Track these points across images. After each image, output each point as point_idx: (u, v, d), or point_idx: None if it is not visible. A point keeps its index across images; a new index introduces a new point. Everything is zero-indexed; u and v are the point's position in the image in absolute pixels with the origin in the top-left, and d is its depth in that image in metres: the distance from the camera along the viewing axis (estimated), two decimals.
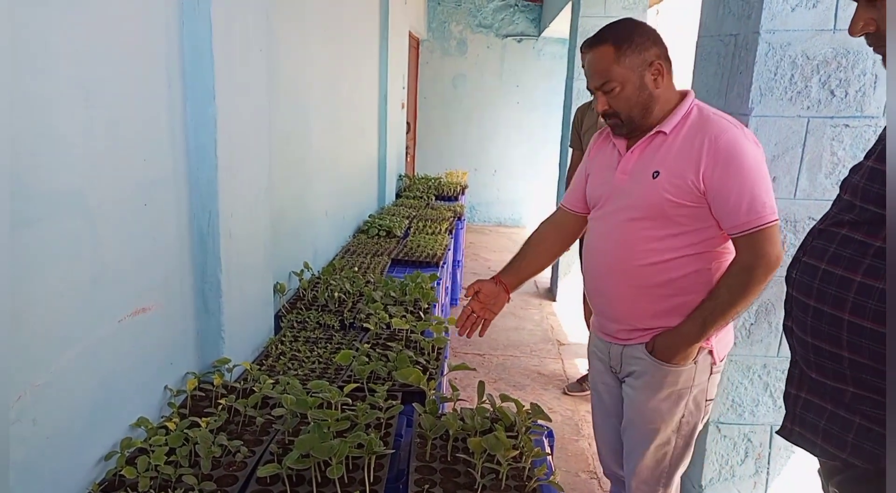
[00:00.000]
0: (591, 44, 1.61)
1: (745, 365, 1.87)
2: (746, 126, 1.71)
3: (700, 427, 1.69)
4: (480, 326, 1.88)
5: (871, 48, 1.14)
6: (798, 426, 1.24)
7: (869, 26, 1.12)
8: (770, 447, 1.93)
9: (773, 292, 1.82)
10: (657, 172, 1.57)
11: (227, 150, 1.82)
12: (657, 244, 1.59)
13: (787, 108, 1.70)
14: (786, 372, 1.82)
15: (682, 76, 1.91)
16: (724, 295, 1.53)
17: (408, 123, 7.07)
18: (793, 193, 1.75)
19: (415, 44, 7.59)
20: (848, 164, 1.73)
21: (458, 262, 5.00)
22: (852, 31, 1.14)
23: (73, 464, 1.33)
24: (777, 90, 1.69)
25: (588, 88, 1.63)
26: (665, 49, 1.57)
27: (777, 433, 1.32)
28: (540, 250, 1.94)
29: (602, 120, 1.80)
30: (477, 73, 7.93)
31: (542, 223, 1.99)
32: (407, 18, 6.07)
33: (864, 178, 1.12)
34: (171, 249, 1.69)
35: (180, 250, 1.73)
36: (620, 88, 1.57)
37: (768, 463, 1.94)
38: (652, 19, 4.79)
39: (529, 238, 1.99)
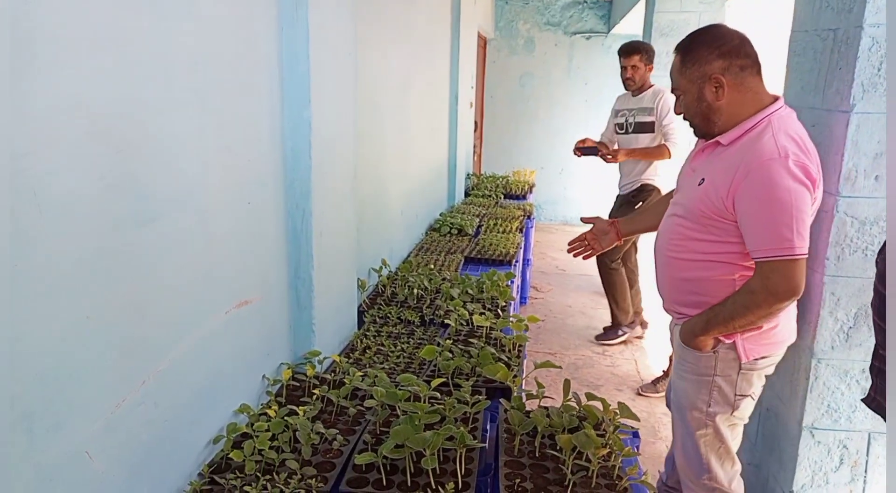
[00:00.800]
0: (675, 49, 1.71)
1: (842, 369, 1.81)
2: (847, 124, 1.66)
3: (736, 424, 1.72)
4: (587, 252, 2.20)
5: None
6: (879, 395, 1.39)
7: None
8: (868, 455, 1.86)
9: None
10: (703, 180, 1.65)
11: (320, 152, 1.90)
12: (689, 244, 1.69)
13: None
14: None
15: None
16: (729, 306, 1.60)
17: (475, 122, 7.10)
18: None
19: (482, 43, 7.61)
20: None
21: (528, 260, 4.99)
22: None
23: (187, 445, 1.42)
24: (881, 86, 1.62)
25: None
26: (738, 62, 1.58)
27: (862, 400, 1.44)
28: (657, 211, 2.02)
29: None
30: (544, 72, 7.88)
31: (668, 193, 2.06)
32: (476, 18, 6.10)
33: None
34: (269, 245, 1.77)
35: (277, 247, 1.82)
36: (683, 96, 1.68)
37: (865, 472, 1.87)
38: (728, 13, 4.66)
39: (654, 202, 2.25)
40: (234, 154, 1.55)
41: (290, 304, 1.93)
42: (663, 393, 3.43)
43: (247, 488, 1.37)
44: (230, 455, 1.45)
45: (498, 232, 4.15)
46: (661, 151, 3.70)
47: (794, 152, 1.50)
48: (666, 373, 3.50)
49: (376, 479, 1.46)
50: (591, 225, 2.19)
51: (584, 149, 3.87)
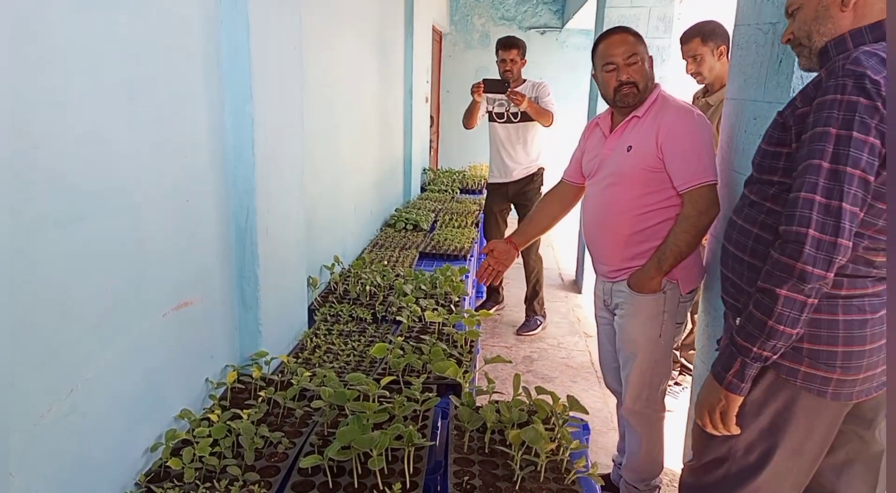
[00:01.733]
0: (630, 33, 2.12)
1: None
2: None
3: (672, 346, 2.14)
4: (495, 275, 2.46)
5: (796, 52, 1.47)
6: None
7: (790, 35, 1.45)
8: None
9: None
10: (630, 147, 2.06)
11: (264, 148, 1.84)
12: (632, 202, 2.06)
13: None
14: None
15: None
16: (672, 239, 1.99)
17: (431, 117, 7.07)
18: None
19: (438, 37, 7.58)
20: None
21: (484, 255, 4.99)
22: (782, 40, 1.49)
23: (121, 455, 1.36)
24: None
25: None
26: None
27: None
28: (544, 214, 2.49)
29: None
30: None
31: (546, 194, 2.53)
32: (430, 12, 6.06)
33: (757, 156, 1.48)
34: (211, 244, 1.71)
35: (219, 246, 1.76)
36: (637, 63, 2.06)
37: None
38: (677, 7, 4.73)
39: (536, 205, 2.55)
40: (168, 150, 1.49)
41: (236, 304, 1.87)
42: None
43: None
44: (168, 463, 1.40)
45: (453, 227, 4.14)
46: (549, 116, 4.10)
47: (697, 111, 2.04)
48: None
49: (322, 482, 1.43)
50: (491, 251, 2.46)
51: (490, 81, 4.03)
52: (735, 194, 1.84)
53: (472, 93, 4.12)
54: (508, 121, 4.22)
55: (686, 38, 2.95)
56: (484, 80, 4.08)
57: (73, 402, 1.18)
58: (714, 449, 1.52)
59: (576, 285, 5.47)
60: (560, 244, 6.81)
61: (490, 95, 4.21)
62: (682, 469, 1.70)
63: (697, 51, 2.90)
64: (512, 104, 4.11)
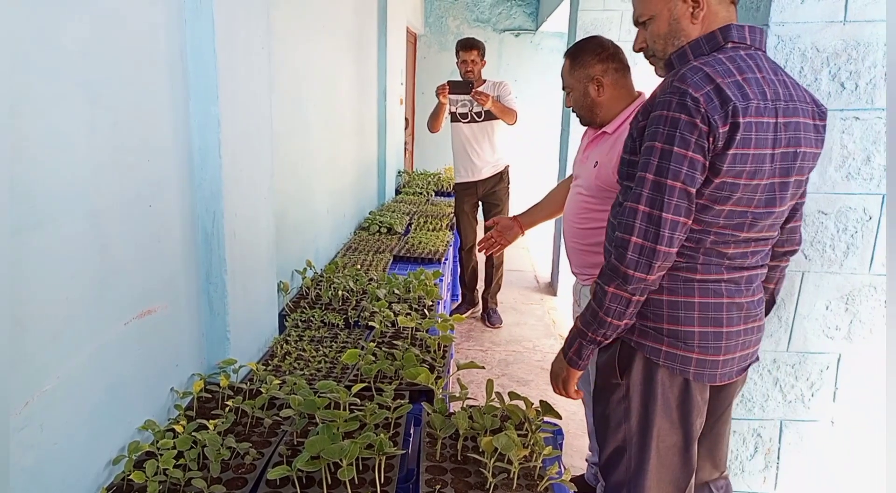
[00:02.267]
0: (564, 55, 2.13)
1: None
2: None
3: None
4: (497, 248, 2.53)
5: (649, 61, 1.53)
6: None
7: (642, 44, 1.50)
8: (780, 442, 1.92)
9: (784, 286, 1.81)
10: (597, 163, 2.04)
11: (231, 150, 1.81)
12: (592, 215, 2.06)
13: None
14: (795, 366, 1.82)
15: None
16: None
17: (406, 119, 7.04)
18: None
19: (412, 39, 7.56)
20: (858, 156, 1.71)
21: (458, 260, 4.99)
22: (634, 48, 1.54)
23: (81, 469, 1.32)
24: None
25: None
26: (613, 65, 2.01)
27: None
28: (554, 201, 2.50)
29: None
30: None
31: (560, 183, 2.54)
32: (404, 13, 6.04)
33: (619, 164, 1.52)
34: (175, 250, 1.67)
35: (185, 251, 1.72)
36: (572, 93, 2.09)
37: (778, 458, 1.93)
38: None
39: (549, 192, 2.57)
40: (131, 153, 1.45)
41: (202, 311, 1.83)
42: None
43: None
44: (131, 477, 1.35)
45: (428, 230, 4.12)
46: (513, 114, 4.15)
47: None
48: None
49: None
50: (495, 223, 2.56)
51: (454, 83, 4.11)
52: None
53: (437, 95, 4.17)
54: (473, 120, 4.28)
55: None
56: (448, 82, 4.13)
57: (28, 414, 1.13)
58: (612, 439, 1.60)
59: (551, 288, 5.48)
60: (534, 247, 6.83)
61: (452, 97, 4.26)
62: (589, 472, 1.82)
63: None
64: (475, 104, 4.18)
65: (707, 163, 1.31)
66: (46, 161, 1.16)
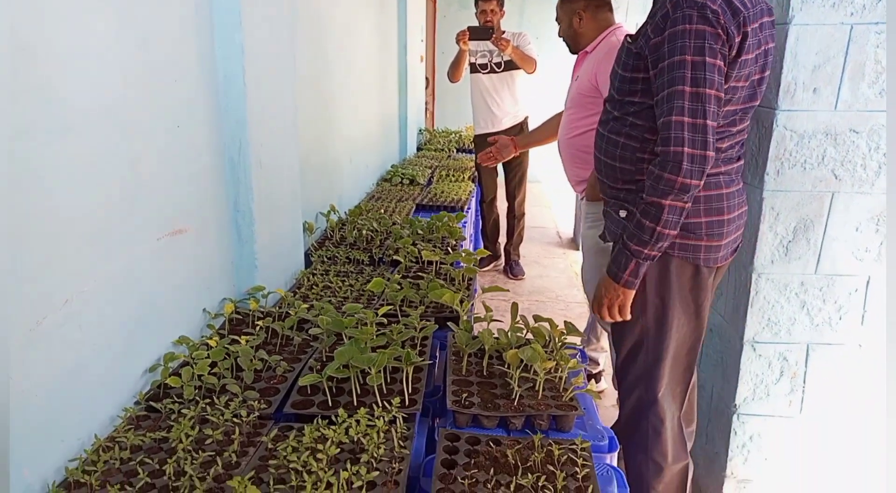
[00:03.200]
0: None
1: (781, 283, 1.85)
2: (786, 36, 1.67)
3: None
4: (493, 161, 3.17)
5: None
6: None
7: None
8: (806, 366, 1.92)
9: (813, 207, 1.78)
10: (578, 77, 2.46)
11: (255, 79, 1.82)
12: (575, 124, 2.42)
13: (829, 14, 1.64)
14: (823, 289, 1.81)
15: None
16: None
17: (426, 79, 6.99)
18: (833, 105, 1.70)
19: None
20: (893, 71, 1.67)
21: (479, 213, 4.99)
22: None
23: (119, 374, 1.36)
24: None
25: None
26: (594, 3, 2.42)
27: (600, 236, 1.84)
28: (546, 127, 2.97)
29: None
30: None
31: (554, 114, 2.89)
32: None
33: (616, 80, 1.66)
34: (204, 174, 1.69)
35: (213, 178, 1.74)
36: (561, 23, 2.54)
37: (804, 382, 1.93)
38: None
39: (543, 122, 3.02)
40: (158, 72, 1.46)
41: (231, 238, 1.86)
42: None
43: (185, 410, 1.32)
44: (167, 382, 1.40)
45: (450, 181, 4.11)
46: (533, 62, 4.17)
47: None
48: None
49: (321, 401, 1.43)
50: (495, 142, 3.13)
51: (475, 29, 4.12)
52: None
53: (458, 42, 4.15)
54: (492, 71, 4.29)
55: None
56: (468, 27, 4.11)
57: (68, 312, 1.17)
58: (629, 336, 1.75)
59: (573, 243, 5.47)
60: (555, 203, 6.80)
61: (473, 48, 4.27)
62: (614, 371, 1.90)
63: None
64: (495, 54, 4.19)
65: (725, 69, 1.43)
66: (77, 69, 1.18)
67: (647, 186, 1.52)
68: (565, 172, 2.54)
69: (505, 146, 3.10)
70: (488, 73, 4.28)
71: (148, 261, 1.45)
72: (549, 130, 2.89)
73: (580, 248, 2.66)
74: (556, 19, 2.53)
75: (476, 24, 4.20)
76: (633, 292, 1.64)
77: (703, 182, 1.46)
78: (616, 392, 2.00)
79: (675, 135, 1.43)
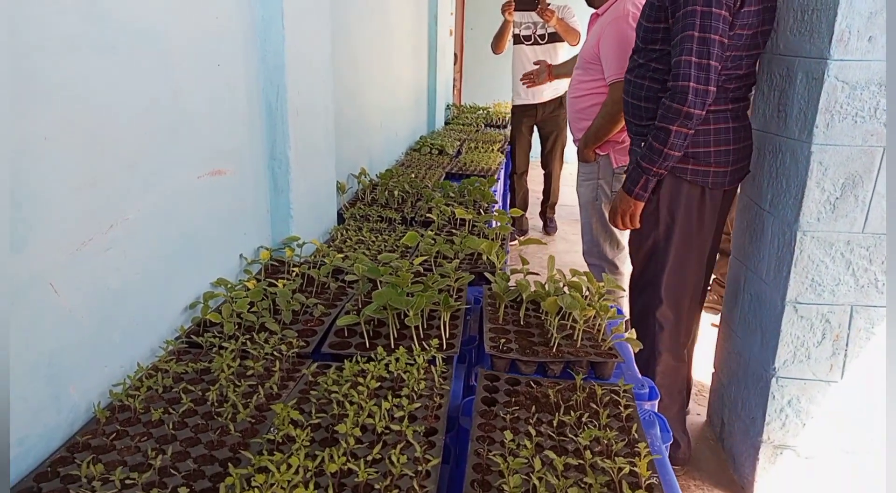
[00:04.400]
0: None
1: (827, 242, 1.80)
2: None
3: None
4: (532, 83, 3.74)
5: None
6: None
7: None
8: (849, 329, 1.87)
9: (862, 163, 1.73)
10: (586, 40, 2.68)
11: (293, 23, 1.80)
12: (579, 85, 2.72)
13: None
14: (870, 249, 1.76)
15: None
16: (595, 121, 2.60)
17: (455, 54, 6.93)
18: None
19: None
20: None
21: (509, 186, 4.94)
22: None
23: (161, 305, 1.37)
24: None
25: None
26: None
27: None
28: (571, 65, 3.30)
29: None
30: None
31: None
32: None
33: (641, 31, 1.98)
34: (242, 116, 1.69)
35: (251, 121, 1.73)
36: None
37: (846, 345, 1.88)
38: None
39: (575, 55, 3.21)
40: (199, 8, 1.45)
41: (268, 185, 1.86)
42: None
43: (226, 344, 1.33)
44: (208, 317, 1.40)
45: (480, 152, 4.08)
46: (577, 34, 4.21)
47: (633, 13, 2.40)
48: None
49: (359, 343, 1.42)
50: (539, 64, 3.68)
51: (520, 0, 4.18)
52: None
53: (503, 12, 4.16)
54: (536, 43, 4.30)
55: None
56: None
57: (113, 237, 1.17)
58: (643, 247, 2.08)
59: None
60: None
61: (517, 20, 4.28)
62: (630, 279, 2.23)
63: None
64: (539, 26, 4.20)
65: (731, 19, 1.72)
66: None
67: (658, 115, 1.81)
68: (570, 126, 2.87)
69: (542, 71, 3.63)
70: (532, 44, 4.30)
71: (188, 197, 1.45)
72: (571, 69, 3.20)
73: (578, 202, 2.91)
74: None
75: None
76: (642, 203, 1.97)
77: (703, 112, 1.75)
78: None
79: (683, 71, 1.73)
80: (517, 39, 4.35)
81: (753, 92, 2.11)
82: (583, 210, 2.83)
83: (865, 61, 1.65)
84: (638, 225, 2.01)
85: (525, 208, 4.69)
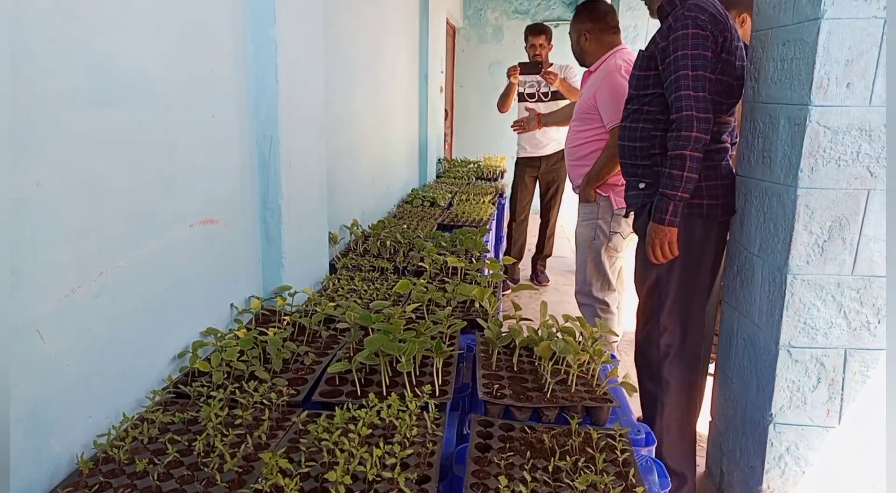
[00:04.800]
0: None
1: (817, 284, 1.80)
2: (818, 31, 1.67)
3: (612, 255, 2.85)
4: (522, 130, 4.21)
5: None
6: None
7: None
8: (844, 372, 1.85)
9: (848, 206, 1.75)
10: (581, 94, 2.93)
11: (288, 78, 1.84)
12: (577, 136, 2.93)
13: (861, 8, 1.63)
14: (860, 291, 1.77)
15: None
16: (596, 163, 2.78)
17: (445, 111, 7.08)
18: (868, 100, 1.68)
19: (451, 31, 7.61)
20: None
21: (501, 238, 4.97)
22: None
23: (149, 354, 1.35)
24: None
25: None
26: (599, 25, 2.89)
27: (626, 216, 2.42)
28: (565, 111, 3.81)
29: None
30: (513, 60, 7.66)
31: (571, 104, 3.90)
32: (444, 5, 6.09)
33: (633, 79, 2.21)
34: (235, 167, 1.71)
35: (244, 171, 1.75)
36: (573, 41, 3.00)
37: (842, 389, 1.86)
38: None
39: (564, 105, 3.97)
40: (195, 62, 1.49)
41: (259, 234, 1.86)
42: None
43: (214, 393, 1.30)
44: (196, 366, 1.38)
45: (471, 204, 4.12)
46: (578, 93, 4.29)
47: (624, 67, 2.71)
48: None
49: (350, 390, 1.40)
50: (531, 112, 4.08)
51: (525, 64, 4.45)
52: (764, 116, 1.85)
53: (509, 76, 4.46)
54: (539, 100, 4.51)
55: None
56: (519, 63, 4.44)
57: (102, 284, 1.17)
58: (647, 280, 2.20)
59: None
60: None
61: (521, 79, 4.52)
62: (636, 310, 2.33)
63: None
64: (543, 85, 4.44)
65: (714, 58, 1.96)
66: (118, 38, 1.20)
67: (670, 146, 1.96)
68: (569, 174, 3.05)
69: (532, 119, 4.01)
70: (536, 102, 4.50)
71: (180, 246, 1.45)
72: (565, 115, 3.59)
73: (574, 242, 3.02)
74: (570, 33, 2.98)
75: (504, 60, 4.47)
76: (676, 229, 2.03)
77: (708, 137, 1.92)
78: None
79: (684, 103, 1.92)
80: (521, 97, 4.56)
81: (737, 140, 2.16)
82: (579, 249, 2.93)
83: (845, 107, 1.70)
84: (677, 252, 2.07)
85: (520, 257, 4.71)
